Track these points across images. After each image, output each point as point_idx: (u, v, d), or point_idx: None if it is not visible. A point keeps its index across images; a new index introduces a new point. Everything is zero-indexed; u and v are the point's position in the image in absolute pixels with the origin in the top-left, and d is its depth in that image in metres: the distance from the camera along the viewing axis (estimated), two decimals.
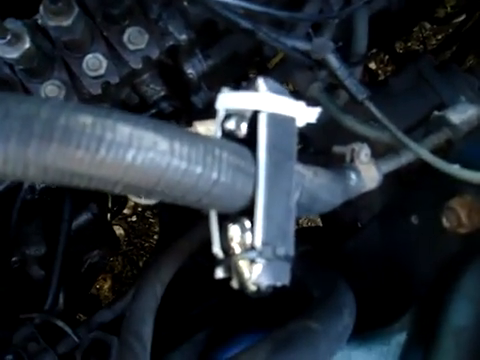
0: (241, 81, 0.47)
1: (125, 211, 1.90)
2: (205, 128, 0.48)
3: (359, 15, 0.75)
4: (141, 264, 1.91)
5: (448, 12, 1.53)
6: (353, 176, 0.58)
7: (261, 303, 0.63)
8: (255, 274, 0.41)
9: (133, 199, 0.52)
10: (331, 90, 0.76)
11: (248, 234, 0.42)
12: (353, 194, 0.59)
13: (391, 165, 0.64)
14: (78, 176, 0.35)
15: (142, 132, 0.36)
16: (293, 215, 0.45)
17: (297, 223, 1.67)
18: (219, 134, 0.45)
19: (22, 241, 0.96)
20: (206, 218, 0.45)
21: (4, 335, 0.88)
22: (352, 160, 0.61)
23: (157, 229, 1.91)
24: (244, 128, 0.44)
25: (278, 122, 0.44)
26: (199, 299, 0.88)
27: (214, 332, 0.79)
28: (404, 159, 0.65)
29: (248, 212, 0.42)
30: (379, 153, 0.65)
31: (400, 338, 0.71)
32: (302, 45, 0.69)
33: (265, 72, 0.89)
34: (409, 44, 2.00)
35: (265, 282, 0.41)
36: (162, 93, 0.82)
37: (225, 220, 0.44)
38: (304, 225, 1.83)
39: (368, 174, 0.60)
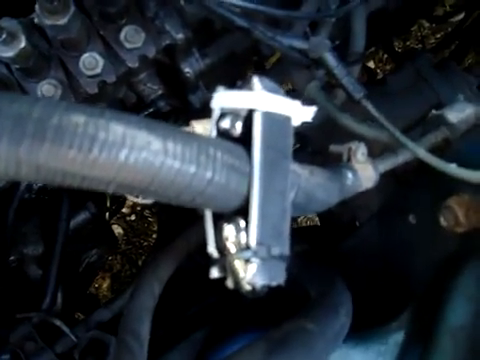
0: (238, 80, 0.47)
1: (124, 210, 1.90)
2: (202, 127, 0.48)
3: (356, 13, 0.75)
4: (140, 263, 1.91)
5: (447, 11, 1.53)
6: (350, 175, 0.58)
7: (258, 302, 0.63)
8: (250, 274, 0.41)
9: (131, 198, 0.52)
10: (328, 89, 0.76)
11: (243, 234, 0.42)
12: (350, 193, 0.58)
13: (388, 164, 0.64)
14: (71, 176, 0.35)
15: (135, 131, 0.36)
16: (288, 215, 0.45)
17: (296, 222, 1.67)
18: (214, 133, 0.45)
19: (20, 240, 0.96)
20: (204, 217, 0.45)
21: (1, 334, 0.88)
22: (349, 159, 0.60)
23: (156, 228, 1.91)
24: (239, 127, 0.44)
25: (273, 121, 0.44)
26: (196, 298, 0.88)
27: (211, 331, 0.79)
28: (401, 158, 0.65)
29: (243, 212, 0.42)
30: (376, 152, 0.65)
31: (398, 337, 0.71)
32: (299, 44, 0.69)
33: (262, 71, 0.89)
34: (408, 43, 2.00)
35: (260, 282, 0.41)
36: (159, 92, 0.82)
37: (220, 220, 0.44)
38: (303, 224, 1.83)
39: (365, 173, 0.60)
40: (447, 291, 0.67)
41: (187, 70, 0.79)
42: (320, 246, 0.91)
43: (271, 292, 0.43)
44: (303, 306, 0.63)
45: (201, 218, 0.45)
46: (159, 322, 0.69)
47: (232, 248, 0.42)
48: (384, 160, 0.64)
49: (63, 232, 0.95)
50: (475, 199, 0.67)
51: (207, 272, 0.44)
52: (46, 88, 0.69)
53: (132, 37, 0.71)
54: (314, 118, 0.48)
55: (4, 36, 0.62)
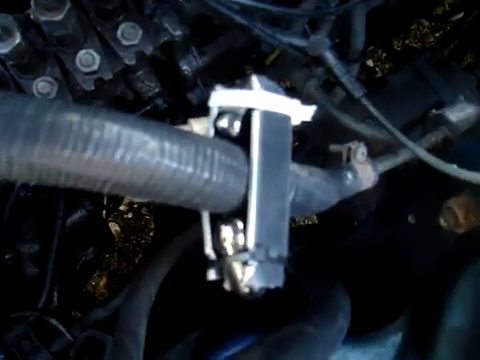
0: (237, 78, 0.46)
1: (121, 208, 1.90)
2: (200, 126, 0.47)
3: (356, 12, 0.75)
4: (137, 261, 1.90)
5: (446, 9, 1.53)
6: (349, 175, 0.58)
7: (256, 302, 0.63)
8: (247, 276, 0.40)
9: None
10: (328, 87, 0.75)
11: (241, 235, 0.41)
12: (349, 193, 0.58)
13: (388, 164, 0.63)
14: (65, 175, 0.34)
15: (131, 131, 0.35)
16: (287, 216, 0.44)
17: (294, 221, 1.67)
18: (212, 132, 0.44)
19: (16, 238, 0.96)
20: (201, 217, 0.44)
21: None
22: (348, 159, 0.60)
23: (153, 226, 1.91)
24: (237, 126, 0.43)
25: (272, 120, 0.43)
26: (193, 298, 0.88)
27: (208, 331, 0.78)
28: (401, 158, 0.65)
29: (241, 213, 0.41)
30: (376, 152, 0.65)
31: (395, 339, 0.71)
32: (298, 42, 0.69)
33: (261, 69, 0.88)
34: (407, 41, 1.99)
35: (257, 284, 0.40)
36: (157, 90, 0.82)
37: (218, 221, 0.43)
38: (301, 223, 1.83)
39: (364, 173, 0.59)
40: (446, 293, 0.67)
41: (185, 67, 0.79)
42: (319, 245, 0.91)
43: (269, 293, 0.42)
44: (302, 309, 0.62)
45: (198, 218, 0.44)
46: (155, 322, 0.68)
47: (230, 250, 0.41)
48: (384, 160, 0.63)
49: (59, 230, 0.94)
50: (475, 200, 0.67)
51: (204, 270, 0.43)
52: (42, 85, 0.68)
53: (129, 34, 0.71)
54: (313, 117, 0.48)
55: None
